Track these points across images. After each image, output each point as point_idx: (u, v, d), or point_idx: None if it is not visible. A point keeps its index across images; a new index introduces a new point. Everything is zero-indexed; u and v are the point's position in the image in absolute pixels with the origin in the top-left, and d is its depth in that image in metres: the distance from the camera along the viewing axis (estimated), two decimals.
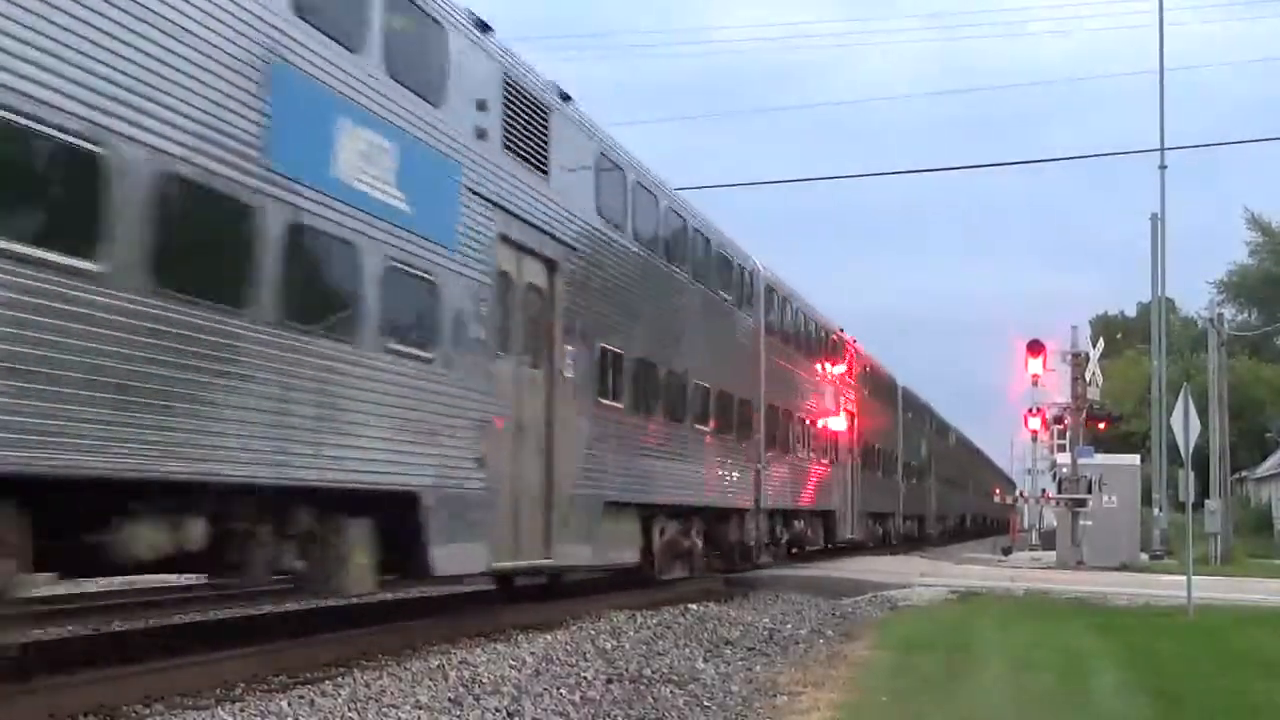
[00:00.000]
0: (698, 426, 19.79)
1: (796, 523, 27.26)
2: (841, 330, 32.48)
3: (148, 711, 8.48)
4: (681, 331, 19.39)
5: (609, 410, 15.98)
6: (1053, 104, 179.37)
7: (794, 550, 27.94)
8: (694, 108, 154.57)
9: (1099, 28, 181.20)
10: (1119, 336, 61.25)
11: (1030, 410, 41.60)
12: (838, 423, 31.14)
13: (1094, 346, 34.27)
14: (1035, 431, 45.70)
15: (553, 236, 14.40)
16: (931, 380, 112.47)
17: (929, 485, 48.98)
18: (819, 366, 29.92)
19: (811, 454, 28.28)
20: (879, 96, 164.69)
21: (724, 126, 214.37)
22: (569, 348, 14.71)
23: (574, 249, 14.98)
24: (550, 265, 14.40)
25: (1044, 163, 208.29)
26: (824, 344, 30.39)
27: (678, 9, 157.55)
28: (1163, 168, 36.21)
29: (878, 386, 38.13)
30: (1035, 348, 32.71)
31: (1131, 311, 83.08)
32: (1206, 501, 35.09)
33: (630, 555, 17.23)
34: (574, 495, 14.68)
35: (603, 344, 15.85)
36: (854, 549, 32.90)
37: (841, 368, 32.05)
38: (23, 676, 8.48)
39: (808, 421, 28.01)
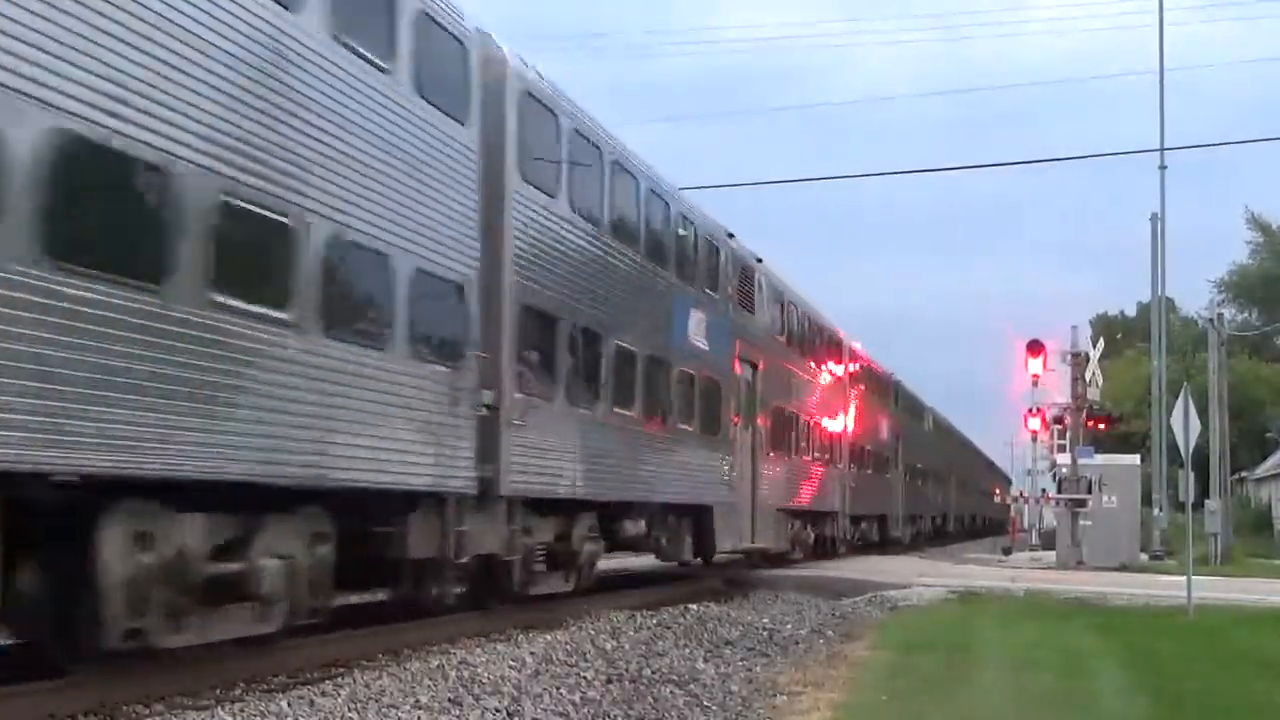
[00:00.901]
0: (271, 313, 9.46)
1: (626, 524, 17.42)
2: (733, 235, 21.81)
3: (148, 711, 8.49)
4: (241, 109, 9.18)
5: None
6: (1053, 104, 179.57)
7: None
8: (694, 108, 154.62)
9: (1099, 28, 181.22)
10: (1119, 336, 61.36)
11: (1030, 410, 41.66)
12: (722, 377, 20.97)
13: (1094, 346, 34.36)
14: (1035, 432, 45.74)
15: None
16: (932, 380, 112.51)
17: (893, 478, 40.06)
18: (679, 283, 19.14)
19: (656, 415, 17.89)
20: (879, 96, 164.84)
21: (724, 126, 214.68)
22: None
23: None
24: None
25: (1044, 163, 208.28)
26: (692, 249, 19.75)
27: (677, 9, 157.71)
28: (1163, 168, 36.29)
29: (810, 341, 28.17)
30: (1035, 348, 32.85)
31: (1131, 311, 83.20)
32: (1206, 502, 35.10)
33: None
34: None
35: None
36: (849, 551, 32.91)
37: (730, 296, 21.60)
38: (23, 677, 8.48)
39: (654, 361, 17.84)
